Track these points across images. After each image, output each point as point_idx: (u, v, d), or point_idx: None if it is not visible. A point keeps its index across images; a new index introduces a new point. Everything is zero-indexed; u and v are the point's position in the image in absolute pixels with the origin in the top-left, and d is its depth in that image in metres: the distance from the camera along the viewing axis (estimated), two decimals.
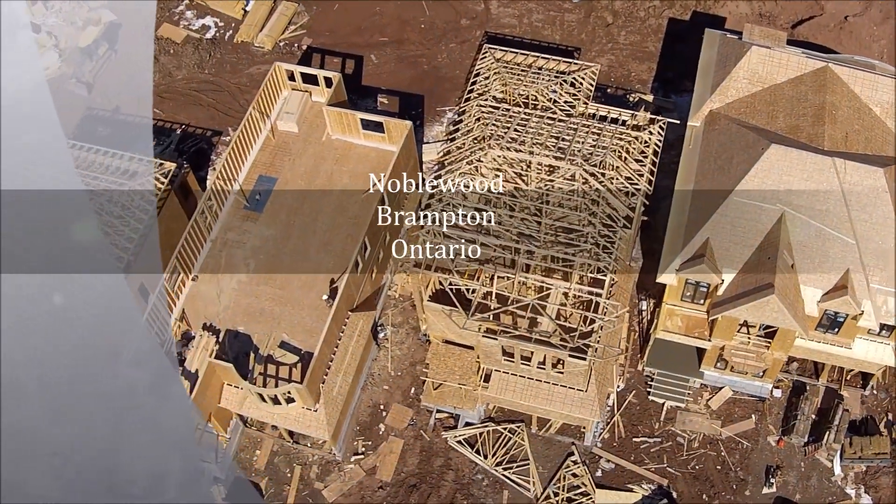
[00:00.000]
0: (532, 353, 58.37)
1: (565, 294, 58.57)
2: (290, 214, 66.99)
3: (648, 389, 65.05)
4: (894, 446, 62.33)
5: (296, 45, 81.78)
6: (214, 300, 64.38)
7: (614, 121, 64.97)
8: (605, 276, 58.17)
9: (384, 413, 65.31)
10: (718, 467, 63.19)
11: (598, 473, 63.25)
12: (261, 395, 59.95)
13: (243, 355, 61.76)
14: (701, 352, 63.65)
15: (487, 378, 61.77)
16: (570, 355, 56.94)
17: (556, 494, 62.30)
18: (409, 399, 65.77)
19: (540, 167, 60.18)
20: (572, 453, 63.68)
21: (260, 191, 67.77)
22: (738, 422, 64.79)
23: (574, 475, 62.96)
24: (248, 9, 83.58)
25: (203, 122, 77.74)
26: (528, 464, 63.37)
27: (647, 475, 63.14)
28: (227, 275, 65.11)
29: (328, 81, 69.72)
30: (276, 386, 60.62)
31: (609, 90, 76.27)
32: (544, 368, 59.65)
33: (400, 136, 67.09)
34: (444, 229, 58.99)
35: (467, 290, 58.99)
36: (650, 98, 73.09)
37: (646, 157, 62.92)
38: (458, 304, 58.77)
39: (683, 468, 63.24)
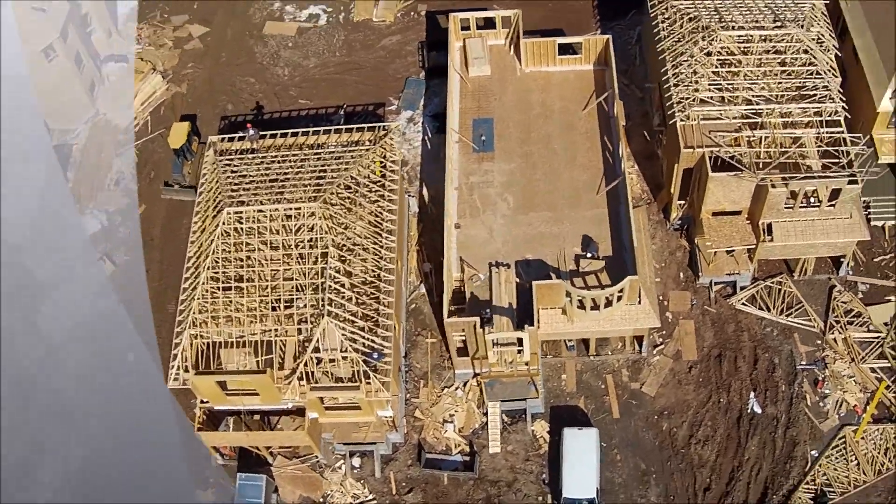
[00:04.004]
0: (815, 189, 64.22)
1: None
2: (523, 144, 70.49)
3: (868, 215, 71.94)
4: None
5: (412, 13, 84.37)
6: (488, 239, 66.89)
7: None
8: (840, 116, 65.19)
9: (665, 302, 69.63)
10: None
11: (860, 296, 69.84)
12: (593, 301, 62.88)
13: (545, 278, 64.40)
14: None
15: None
16: (850, 181, 63.48)
17: (837, 322, 68.50)
18: (681, 284, 70.36)
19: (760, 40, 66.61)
20: (834, 286, 70.03)
21: (482, 132, 70.47)
22: None
23: (844, 302, 69.36)
24: None
25: (357, 98, 79.56)
26: (803, 305, 69.25)
27: None
28: (489, 213, 67.61)
29: (505, 21, 73.10)
30: None
31: None
32: (819, 205, 65.51)
33: (597, 52, 71.59)
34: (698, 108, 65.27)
35: (740, 155, 64.53)
36: None
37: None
38: (742, 168, 64.14)
39: None
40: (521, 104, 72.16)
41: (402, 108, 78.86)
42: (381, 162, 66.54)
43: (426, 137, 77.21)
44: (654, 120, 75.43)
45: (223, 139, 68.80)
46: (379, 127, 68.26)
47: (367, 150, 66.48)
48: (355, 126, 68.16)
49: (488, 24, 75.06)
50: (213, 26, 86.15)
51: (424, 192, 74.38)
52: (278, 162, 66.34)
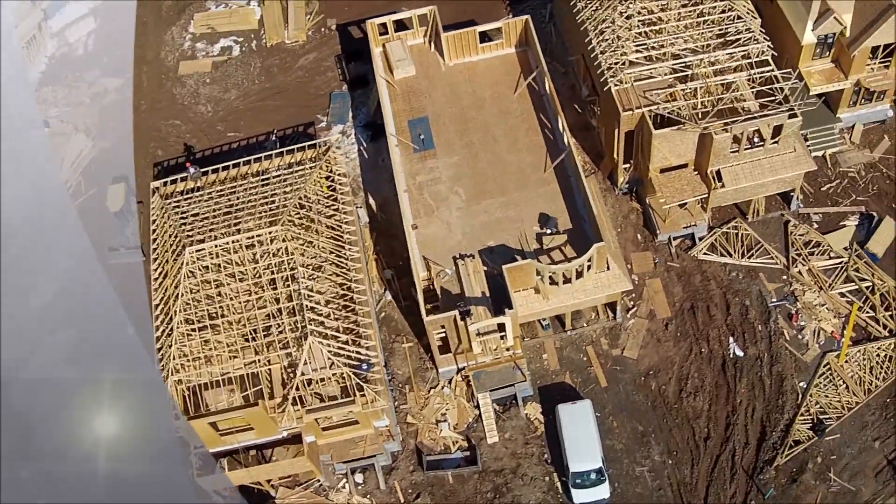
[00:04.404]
0: (758, 129, 65.46)
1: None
2: (463, 136, 70.77)
3: (809, 147, 73.50)
4: None
5: (323, 29, 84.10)
6: (447, 234, 66.99)
7: None
8: (767, 55, 66.68)
9: (629, 265, 70.24)
10: (887, 181, 72.96)
11: (815, 227, 71.30)
12: (564, 275, 63.28)
13: (511, 262, 64.64)
14: (829, 104, 73.27)
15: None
16: (790, 116, 64.88)
17: (798, 255, 69.81)
18: (640, 245, 71.09)
19: None
20: (788, 221, 71.39)
21: (420, 131, 70.57)
22: (876, 145, 74.86)
23: (801, 235, 70.72)
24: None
25: (285, 122, 79.09)
26: (762, 244, 70.45)
27: (848, 209, 71.95)
28: (444, 209, 67.71)
29: (422, 20, 73.36)
30: None
31: None
32: (763, 144, 66.75)
33: (517, 34, 72.21)
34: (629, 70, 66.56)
35: (679, 109, 65.56)
36: None
37: None
38: (683, 121, 65.16)
39: (866, 193, 72.46)
40: (452, 97, 72.46)
41: (332, 123, 78.64)
42: (329, 176, 66.12)
43: (361, 148, 76.96)
44: (583, 92, 76.25)
45: (165, 183, 67.63)
46: (319, 144, 67.72)
47: (312, 167, 65.98)
48: (296, 146, 67.50)
49: (402, 26, 75.29)
50: (128, 76, 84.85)
51: (371, 201, 74.06)
52: (226, 195, 65.68)
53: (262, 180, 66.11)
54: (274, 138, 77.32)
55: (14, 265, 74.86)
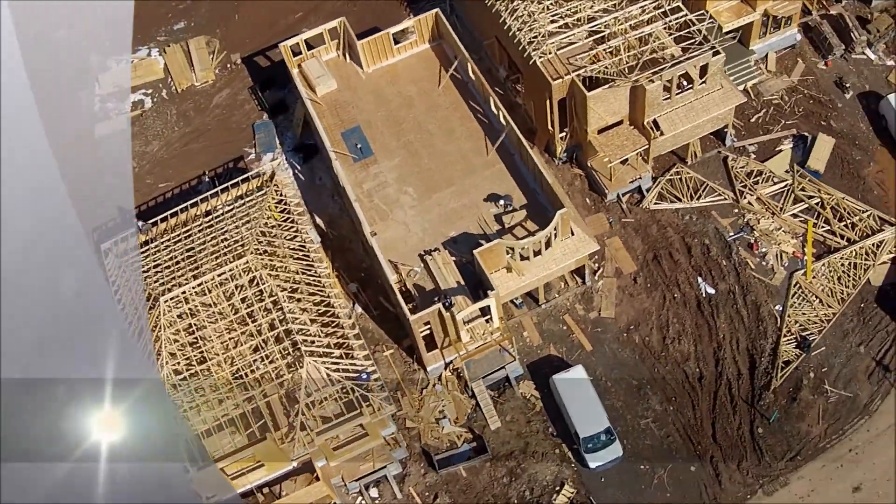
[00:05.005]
0: (685, 72, 67.06)
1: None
2: (399, 137, 70.92)
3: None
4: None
5: (229, 65, 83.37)
6: (407, 234, 67.07)
7: None
8: (677, 1, 68.54)
9: None
10: (811, 101, 75.41)
11: (752, 157, 73.21)
12: (533, 249, 63.89)
13: (476, 247, 64.86)
14: (741, 39, 75.46)
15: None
16: (714, 54, 66.65)
17: (744, 187, 71.60)
18: (591, 209, 72.06)
19: None
20: (725, 157, 73.15)
21: (355, 141, 70.55)
22: (792, 69, 77.25)
23: (742, 167, 72.53)
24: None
25: (213, 162, 78.17)
26: (707, 184, 72.06)
27: (780, 135, 74.15)
28: (398, 210, 67.79)
29: (332, 33, 73.42)
30: None
31: None
32: (692, 86, 68.35)
33: (429, 29, 72.74)
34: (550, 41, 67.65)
35: (606, 68, 66.84)
36: None
37: None
38: (613, 79, 66.46)
39: (794, 116, 74.89)
40: (378, 102, 72.62)
41: (262, 152, 77.83)
42: (280, 200, 65.66)
43: (296, 171, 76.50)
44: (501, 73, 77.03)
45: (115, 242, 66.23)
46: (262, 172, 67.15)
47: (262, 196, 65.43)
48: (240, 178, 66.76)
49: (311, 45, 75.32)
50: (46, 147, 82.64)
51: (318, 220, 73.63)
52: (182, 240, 64.67)
53: (215, 218, 65.19)
54: (206, 179, 76.28)
55: (14, 265, 72.93)
